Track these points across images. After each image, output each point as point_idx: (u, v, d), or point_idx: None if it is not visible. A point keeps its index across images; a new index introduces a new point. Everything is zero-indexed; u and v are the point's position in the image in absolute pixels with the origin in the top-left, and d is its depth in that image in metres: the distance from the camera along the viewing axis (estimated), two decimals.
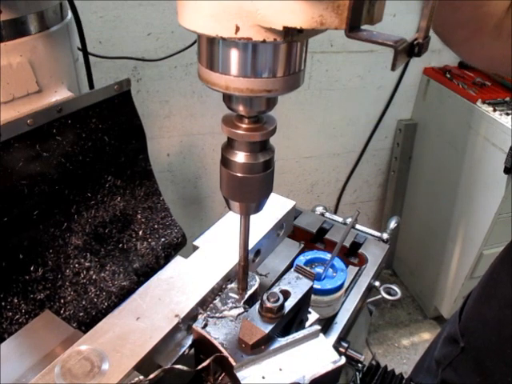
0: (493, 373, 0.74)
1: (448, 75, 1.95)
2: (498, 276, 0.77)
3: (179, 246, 0.92)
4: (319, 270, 0.86)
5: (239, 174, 0.54)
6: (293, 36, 0.41)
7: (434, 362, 0.89)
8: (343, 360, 0.57)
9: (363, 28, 0.37)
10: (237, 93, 0.46)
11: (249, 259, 0.70)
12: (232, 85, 0.46)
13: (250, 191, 0.56)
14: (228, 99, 0.51)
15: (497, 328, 0.74)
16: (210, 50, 0.46)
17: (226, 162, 0.55)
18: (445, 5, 0.65)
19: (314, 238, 1.04)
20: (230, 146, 0.55)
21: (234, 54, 0.44)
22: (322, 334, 0.59)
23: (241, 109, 0.50)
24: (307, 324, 0.69)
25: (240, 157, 0.54)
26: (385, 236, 1.08)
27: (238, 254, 0.67)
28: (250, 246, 0.69)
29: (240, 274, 0.70)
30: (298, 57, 0.47)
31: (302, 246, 1.00)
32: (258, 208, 0.60)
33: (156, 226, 0.90)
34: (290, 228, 0.99)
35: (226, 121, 0.53)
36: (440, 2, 0.62)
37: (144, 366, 0.59)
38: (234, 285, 0.73)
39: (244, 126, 0.52)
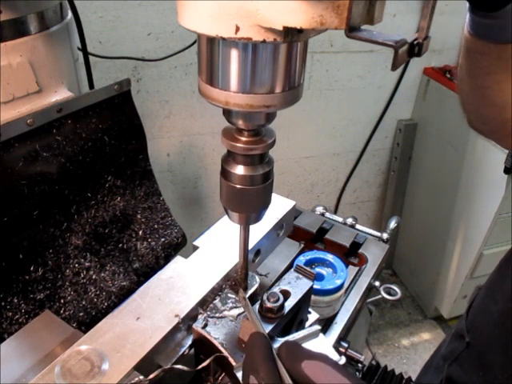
0: (494, 366, 0.74)
1: (448, 75, 1.95)
2: (505, 271, 0.77)
3: (179, 245, 0.92)
4: (319, 270, 0.86)
5: (239, 186, 0.55)
6: (293, 36, 0.41)
7: (441, 358, 0.90)
8: (343, 360, 0.58)
9: (363, 28, 0.37)
10: (236, 108, 0.47)
11: (249, 260, 0.70)
12: (232, 100, 0.46)
13: (249, 202, 0.57)
14: (228, 113, 0.51)
15: (500, 321, 0.74)
16: (210, 64, 0.46)
17: (225, 174, 0.56)
18: (476, 118, 0.72)
19: (314, 238, 1.04)
20: (229, 158, 0.55)
21: (234, 69, 0.45)
22: (321, 334, 0.59)
23: (240, 123, 0.51)
24: (307, 324, 0.69)
25: (239, 169, 0.54)
26: (385, 236, 1.08)
27: (238, 261, 0.68)
28: (250, 246, 0.69)
29: (240, 277, 0.70)
30: (296, 72, 0.47)
31: (302, 246, 1.00)
32: (257, 218, 0.61)
33: (156, 226, 0.90)
34: (290, 228, 0.99)
35: (225, 134, 0.54)
36: (474, 114, 0.71)
37: (144, 365, 0.59)
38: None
39: (243, 139, 0.52)
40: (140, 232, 0.88)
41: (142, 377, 0.57)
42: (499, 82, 0.61)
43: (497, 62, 0.59)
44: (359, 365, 0.83)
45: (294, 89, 0.48)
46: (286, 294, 0.62)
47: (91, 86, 0.99)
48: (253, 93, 0.46)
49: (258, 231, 0.85)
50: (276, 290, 0.62)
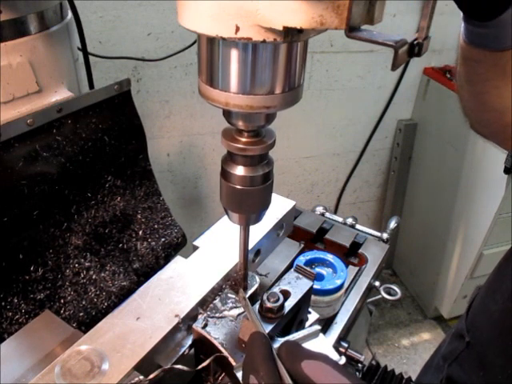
0: (494, 365, 0.75)
1: (448, 75, 1.95)
2: (505, 271, 0.77)
3: (179, 245, 0.92)
4: (319, 270, 0.86)
5: (239, 187, 0.55)
6: (293, 36, 0.41)
7: (441, 358, 0.90)
8: (343, 360, 0.58)
9: (363, 28, 0.37)
10: (236, 109, 0.47)
11: (249, 260, 0.70)
12: (232, 101, 0.46)
13: (249, 203, 0.57)
14: (228, 114, 0.51)
15: (499, 320, 0.74)
16: (210, 65, 0.46)
17: (225, 175, 0.56)
18: (477, 122, 0.73)
19: (314, 238, 1.04)
20: (229, 159, 0.55)
21: (234, 70, 0.45)
22: (321, 334, 0.59)
23: (240, 124, 0.51)
24: (307, 324, 0.69)
25: (239, 170, 0.54)
26: (385, 236, 1.08)
27: (238, 262, 0.68)
28: (250, 246, 0.69)
29: (240, 277, 0.70)
30: (296, 72, 0.47)
31: (302, 246, 1.00)
32: (257, 219, 0.61)
33: (156, 226, 0.90)
34: (290, 228, 0.99)
35: (225, 134, 0.54)
36: (475, 119, 0.71)
37: (144, 365, 0.59)
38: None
39: (243, 139, 0.52)
40: (140, 232, 0.88)
41: (142, 377, 0.57)
42: (497, 87, 0.62)
43: (493, 69, 0.60)
44: (359, 365, 0.83)
45: (293, 90, 0.48)
46: (286, 294, 0.62)
47: (91, 86, 0.99)
48: (253, 94, 0.46)
49: (258, 231, 0.85)
50: (276, 290, 0.62)
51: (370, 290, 0.98)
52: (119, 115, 0.83)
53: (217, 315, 0.64)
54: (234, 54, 0.44)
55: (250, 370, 0.44)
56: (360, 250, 1.01)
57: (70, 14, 0.81)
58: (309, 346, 0.58)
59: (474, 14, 0.52)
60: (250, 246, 0.69)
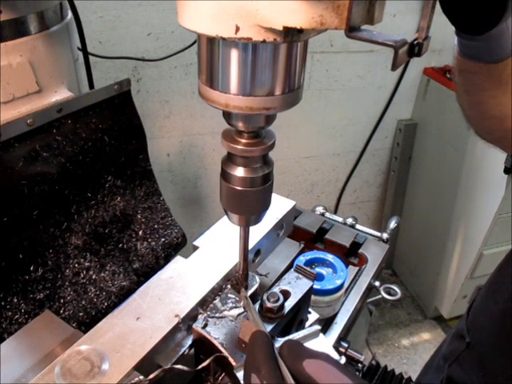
0: (494, 366, 0.75)
1: (448, 75, 1.95)
2: (505, 271, 0.78)
3: (179, 245, 0.92)
4: (319, 270, 0.86)
5: (238, 188, 0.55)
6: (293, 36, 0.41)
7: (442, 358, 0.90)
8: (343, 360, 0.57)
9: (363, 28, 0.37)
10: (236, 110, 0.47)
11: (249, 260, 0.70)
12: (232, 103, 0.46)
13: (249, 204, 0.57)
14: (228, 115, 0.51)
15: (500, 321, 0.74)
16: (210, 66, 0.46)
17: (225, 176, 0.56)
18: (479, 129, 0.74)
19: (314, 238, 1.04)
20: (229, 160, 0.55)
21: (234, 71, 0.45)
22: (321, 334, 0.59)
23: (240, 125, 0.51)
24: (307, 324, 0.69)
25: (239, 171, 0.54)
26: (385, 236, 1.08)
27: (238, 263, 0.68)
28: (250, 246, 0.69)
29: (240, 279, 0.70)
30: (296, 73, 0.47)
31: (302, 246, 1.00)
32: (257, 220, 0.61)
33: (156, 226, 0.90)
34: (290, 228, 0.99)
35: (225, 136, 0.54)
36: (476, 126, 0.73)
37: (144, 365, 0.59)
38: None
39: (243, 141, 0.52)
40: (140, 232, 0.88)
41: (142, 377, 0.57)
42: (494, 97, 0.63)
43: (489, 79, 0.61)
44: (359, 365, 0.83)
45: (293, 91, 0.48)
46: (286, 294, 0.62)
47: (91, 86, 0.99)
48: (253, 95, 0.46)
49: (258, 231, 0.85)
50: (276, 290, 0.62)
51: (370, 289, 0.98)
52: (119, 115, 0.83)
53: (217, 315, 0.64)
54: (234, 55, 0.44)
55: (251, 369, 0.44)
56: (360, 250, 1.01)
57: (70, 14, 0.81)
58: (309, 345, 0.58)
59: (465, 28, 0.53)
60: (250, 246, 0.69)
